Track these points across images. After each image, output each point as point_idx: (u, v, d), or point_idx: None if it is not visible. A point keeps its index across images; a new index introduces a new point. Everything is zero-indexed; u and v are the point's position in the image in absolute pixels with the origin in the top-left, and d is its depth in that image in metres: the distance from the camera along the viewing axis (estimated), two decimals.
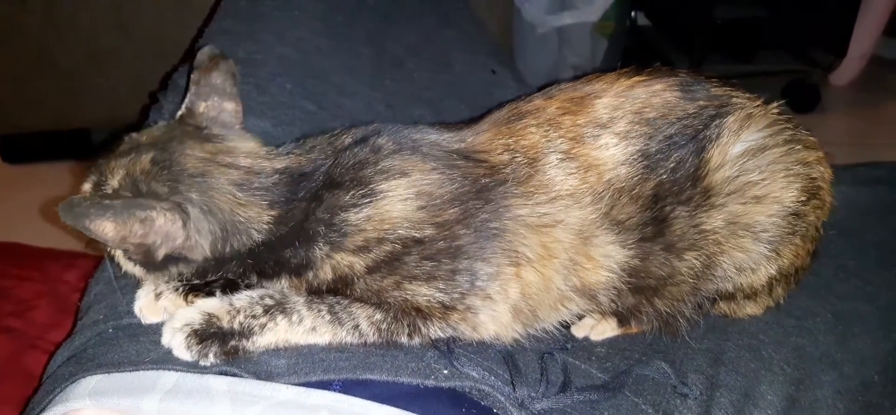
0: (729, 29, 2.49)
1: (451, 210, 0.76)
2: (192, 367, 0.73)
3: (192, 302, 0.80)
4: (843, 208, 0.92)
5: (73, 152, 2.47)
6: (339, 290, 0.78)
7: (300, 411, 0.68)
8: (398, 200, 0.76)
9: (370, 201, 0.76)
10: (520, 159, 0.79)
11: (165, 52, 1.47)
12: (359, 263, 0.76)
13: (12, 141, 2.50)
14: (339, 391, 0.71)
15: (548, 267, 0.78)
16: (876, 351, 0.88)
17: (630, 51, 2.65)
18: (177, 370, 0.73)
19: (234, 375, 0.73)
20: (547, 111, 0.82)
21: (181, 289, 0.81)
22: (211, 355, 0.73)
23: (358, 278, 0.77)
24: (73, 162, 2.45)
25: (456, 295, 0.77)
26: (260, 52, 1.14)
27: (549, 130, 0.80)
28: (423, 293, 0.76)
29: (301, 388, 0.71)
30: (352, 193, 0.76)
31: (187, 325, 0.74)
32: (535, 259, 0.78)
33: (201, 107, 0.83)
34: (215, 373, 0.73)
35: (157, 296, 0.80)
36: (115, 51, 2.06)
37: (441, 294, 0.76)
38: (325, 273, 0.77)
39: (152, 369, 0.73)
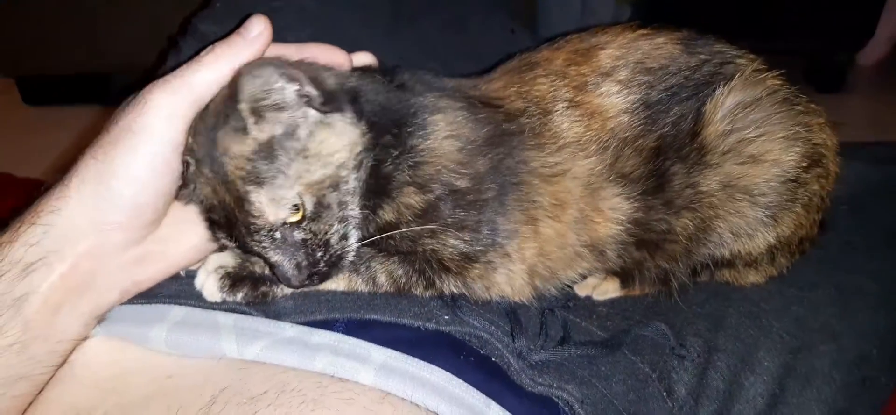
0: (754, 3, 2.45)
1: (482, 159, 0.77)
2: (202, 302, 0.75)
3: None
4: (855, 184, 0.92)
5: (92, 97, 2.49)
6: (378, 240, 0.78)
7: (303, 348, 0.69)
8: (444, 136, 0.77)
9: (428, 132, 0.77)
10: (533, 110, 0.80)
11: None
12: (418, 202, 0.76)
13: (33, 83, 2.53)
14: (342, 332, 0.73)
15: (561, 219, 0.79)
16: (876, 326, 0.88)
17: (652, 20, 2.62)
18: (186, 304, 0.75)
19: (241, 312, 0.75)
20: (555, 62, 0.83)
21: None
22: (239, 296, 0.76)
23: (403, 225, 0.77)
24: (92, 107, 2.47)
25: (479, 248, 0.78)
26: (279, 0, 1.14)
27: (556, 80, 0.82)
28: (451, 244, 0.77)
29: (305, 327, 0.73)
30: (410, 121, 0.77)
31: (221, 267, 0.76)
32: (549, 209, 0.79)
33: None
34: (223, 309, 0.75)
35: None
36: None
37: (466, 246, 0.78)
38: (387, 214, 0.77)
39: (164, 302, 0.75)
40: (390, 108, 0.78)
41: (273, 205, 0.70)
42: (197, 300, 0.76)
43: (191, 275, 0.79)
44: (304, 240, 0.73)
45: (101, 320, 0.72)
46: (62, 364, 0.70)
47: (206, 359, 0.70)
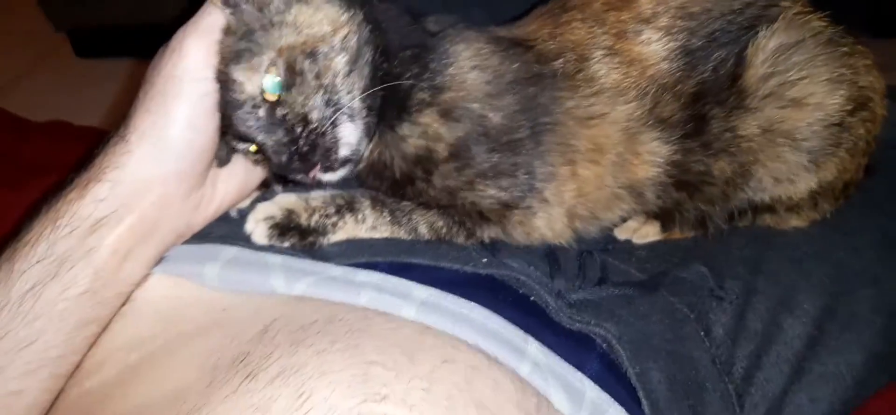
0: None
1: (511, 97, 0.78)
2: (251, 244, 0.79)
3: None
4: None
5: (141, 49, 2.54)
6: (416, 179, 0.79)
7: (348, 286, 0.72)
8: (470, 66, 0.78)
9: (450, 61, 0.78)
10: (569, 55, 0.80)
11: None
12: (446, 134, 0.77)
13: (84, 35, 2.59)
14: (385, 273, 0.75)
15: (600, 163, 0.80)
16: None
17: None
18: (238, 245, 0.78)
19: (288, 253, 0.78)
20: (592, 6, 0.82)
21: None
22: (287, 244, 0.79)
23: (439, 164, 0.78)
24: (141, 59, 2.53)
25: (518, 194, 0.79)
26: None
27: (593, 26, 0.81)
28: (489, 194, 0.79)
29: (350, 268, 0.76)
30: (431, 50, 0.78)
31: (270, 217, 0.79)
32: (586, 153, 0.79)
33: None
34: (272, 251, 0.78)
35: None
36: None
37: (505, 193, 0.78)
38: (413, 136, 0.78)
39: (217, 242, 0.78)
40: (406, 25, 0.79)
41: (249, 72, 0.71)
42: (246, 242, 0.79)
43: (242, 213, 0.82)
44: (285, 116, 0.73)
45: (159, 261, 0.76)
46: (126, 303, 0.74)
47: (258, 295, 0.73)
